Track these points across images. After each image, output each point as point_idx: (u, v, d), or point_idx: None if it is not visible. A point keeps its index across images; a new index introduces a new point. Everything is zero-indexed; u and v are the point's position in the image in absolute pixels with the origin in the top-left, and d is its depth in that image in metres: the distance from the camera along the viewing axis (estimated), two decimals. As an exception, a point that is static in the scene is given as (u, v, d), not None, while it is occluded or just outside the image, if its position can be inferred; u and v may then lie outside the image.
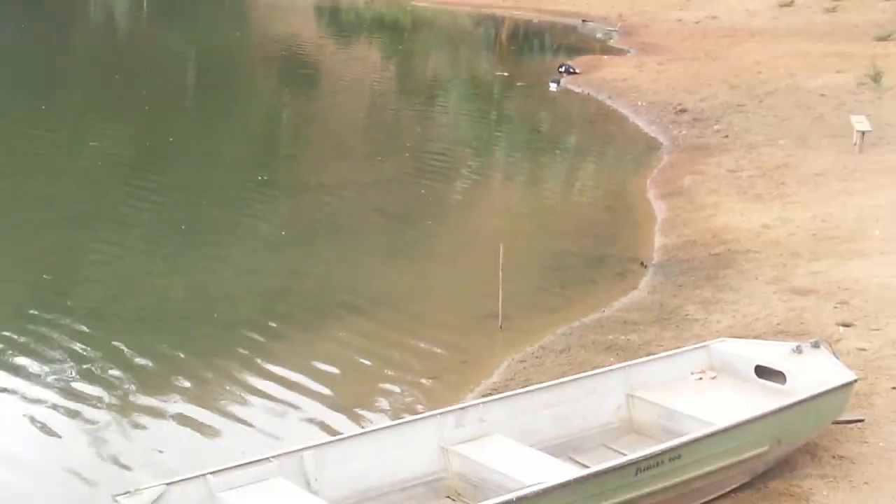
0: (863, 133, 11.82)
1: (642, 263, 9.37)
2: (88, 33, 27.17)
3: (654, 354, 6.33)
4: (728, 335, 6.68)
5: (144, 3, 28.36)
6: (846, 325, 7.19)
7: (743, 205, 10.47)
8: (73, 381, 6.73)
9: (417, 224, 10.71)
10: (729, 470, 4.99)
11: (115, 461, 5.69)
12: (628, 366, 5.90)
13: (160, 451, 5.73)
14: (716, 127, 13.60)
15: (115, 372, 6.86)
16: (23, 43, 22.43)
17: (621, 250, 9.74)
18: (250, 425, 6.00)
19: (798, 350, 5.86)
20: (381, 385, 6.72)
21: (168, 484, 4.40)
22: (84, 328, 7.63)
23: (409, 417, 5.75)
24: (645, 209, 10.96)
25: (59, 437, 5.97)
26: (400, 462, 4.97)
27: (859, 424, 5.71)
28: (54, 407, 6.37)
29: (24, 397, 6.48)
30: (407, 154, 13.46)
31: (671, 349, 6.43)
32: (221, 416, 6.25)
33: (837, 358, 5.86)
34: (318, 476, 4.75)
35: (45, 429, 6.04)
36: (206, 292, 8.43)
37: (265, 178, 11.75)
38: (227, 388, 6.68)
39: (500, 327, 7.47)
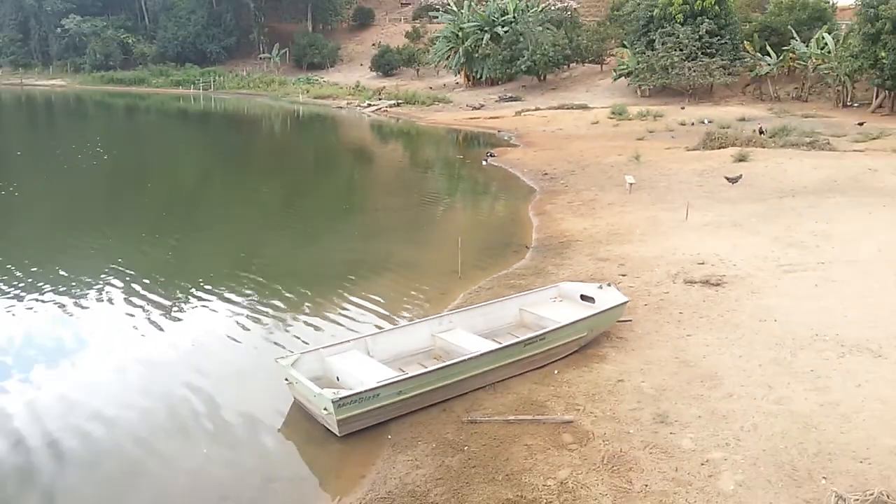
0: (631, 184, 17.24)
1: (526, 246, 13.24)
2: (261, 138, 37.41)
3: (532, 289, 9.54)
4: (567, 280, 10.07)
5: (288, 122, 38.74)
6: (623, 275, 10.76)
7: (574, 218, 15.10)
8: (252, 305, 10.39)
9: (419, 227, 15.87)
10: (568, 345, 7.90)
11: (275, 342, 8.91)
12: (520, 295, 9.19)
13: (297, 337, 9.05)
14: (561, 181, 19.57)
15: (274, 300, 10.55)
16: (228, 144, 32.68)
17: (517, 240, 13.85)
18: (340, 324, 9.55)
19: (601, 287, 8.96)
20: (402, 303, 10.38)
21: (301, 353, 7.40)
22: (260, 279, 11.68)
23: (416, 320, 8.77)
24: (527, 220, 15.51)
25: (247, 329, 9.45)
26: (412, 341, 8.13)
27: (629, 322, 8.80)
28: (243, 316, 9.98)
29: (228, 312, 10.17)
30: (414, 194, 19.95)
31: (540, 287, 9.69)
32: (325, 320, 9.74)
33: (619, 291, 8.89)
34: (373, 349, 7.76)
35: (239, 325, 9.61)
36: (317, 261, 13.08)
37: (346, 206, 18.67)
38: (329, 306, 10.28)
39: (459, 277, 11.27)
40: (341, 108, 48.52)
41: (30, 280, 11.69)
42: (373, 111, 45.59)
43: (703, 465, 5.84)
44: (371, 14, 75.74)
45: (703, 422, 6.50)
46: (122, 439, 6.89)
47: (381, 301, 10.57)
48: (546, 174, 21.15)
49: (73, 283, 11.56)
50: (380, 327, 9.02)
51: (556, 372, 7.79)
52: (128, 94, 60.21)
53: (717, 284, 10.23)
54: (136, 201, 19.14)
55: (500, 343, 7.84)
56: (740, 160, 19.38)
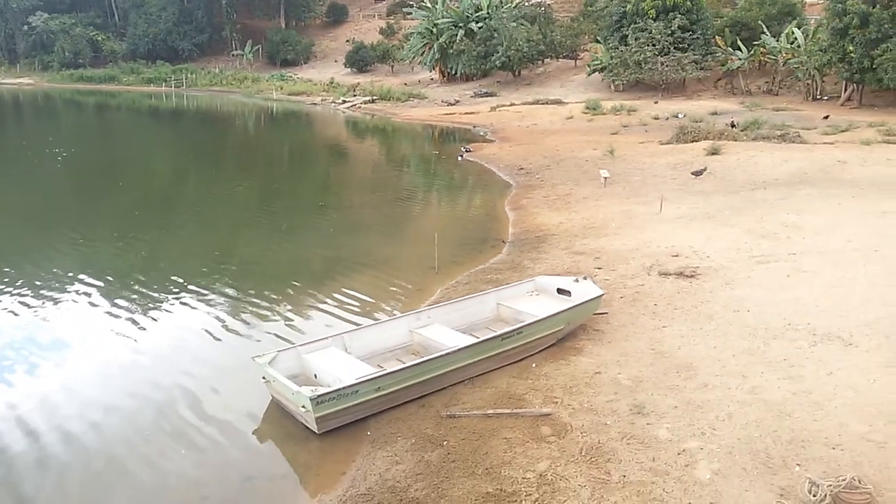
0: (605, 178, 17.37)
1: (503, 241, 13.33)
2: (234, 135, 36.85)
3: (509, 284, 9.63)
4: (544, 274, 10.15)
5: (262, 119, 38.28)
6: (599, 268, 10.90)
7: (550, 212, 15.20)
8: (228, 303, 10.39)
9: (396, 224, 15.82)
10: (545, 338, 7.99)
11: (252, 341, 8.89)
12: (497, 290, 9.29)
13: (274, 335, 8.99)
14: (537, 176, 19.68)
15: (250, 298, 10.59)
16: (201, 141, 32.17)
17: (493, 235, 13.99)
18: (317, 321, 9.54)
19: (577, 280, 9.04)
20: (380, 300, 10.36)
21: (278, 351, 7.40)
22: (236, 277, 11.77)
23: (394, 316, 8.89)
24: (504, 215, 15.61)
25: (223, 328, 9.45)
26: (390, 338, 8.13)
27: (606, 315, 8.93)
28: (219, 315, 9.93)
29: (204, 311, 10.10)
30: (390, 190, 19.87)
31: (517, 281, 9.75)
32: (302, 317, 9.73)
33: (595, 284, 8.94)
34: (351, 346, 7.75)
35: (215, 324, 9.51)
36: (294, 258, 13.01)
37: (322, 203, 18.32)
38: (306, 302, 10.28)
39: (437, 272, 11.36)
40: (315, 104, 48.21)
41: (1, 282, 11.43)
42: (347, 108, 45.36)
43: (679, 454, 5.90)
44: (345, 10, 75.31)
45: (679, 412, 6.57)
46: (101, 440, 6.82)
47: (359, 297, 10.58)
48: (522, 169, 21.23)
49: (46, 285, 11.39)
50: (357, 324, 9.02)
51: (533, 365, 7.84)
52: (98, 93, 59.27)
53: (692, 276, 10.34)
54: (108, 200, 18.88)
55: (478, 338, 7.87)
56: (713, 153, 19.56)
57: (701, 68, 38.27)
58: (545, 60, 48.15)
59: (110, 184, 21.57)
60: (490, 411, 6.87)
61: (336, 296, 10.65)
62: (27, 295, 10.93)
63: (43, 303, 10.61)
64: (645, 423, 6.44)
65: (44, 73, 70.40)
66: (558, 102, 38.15)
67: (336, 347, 7.72)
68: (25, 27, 70.25)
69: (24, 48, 72.51)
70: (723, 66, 39.36)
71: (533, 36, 45.30)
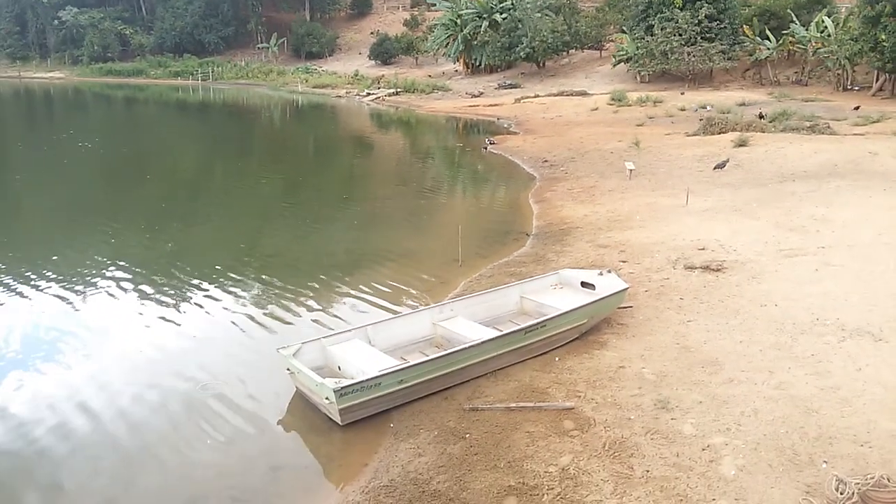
0: (631, 170, 17.31)
1: (527, 234, 13.34)
2: (260, 128, 37.34)
3: (533, 277, 9.57)
4: (568, 267, 10.09)
5: (287, 112, 38.74)
6: (623, 262, 10.80)
7: (575, 205, 15.12)
8: (253, 295, 10.51)
9: (420, 216, 15.85)
10: (569, 332, 7.94)
11: (276, 332, 8.99)
12: (520, 282, 9.25)
13: (298, 327, 8.96)
14: (561, 168, 19.63)
15: (275, 290, 10.68)
16: (227, 134, 32.50)
17: (517, 227, 13.98)
18: (341, 313, 9.60)
19: (601, 273, 9.00)
20: (403, 292, 10.41)
21: (302, 343, 7.40)
22: (261, 269, 11.81)
23: (417, 308, 8.83)
24: (528, 208, 15.55)
25: (248, 319, 9.45)
26: (413, 330, 8.13)
27: (630, 308, 8.85)
28: (244, 306, 10.03)
29: (229, 302, 10.17)
30: (414, 183, 20.13)
31: (541, 274, 9.73)
32: (326, 309, 9.79)
33: (619, 277, 8.97)
34: (374, 338, 7.77)
35: (240, 316, 9.61)
36: (318, 250, 13.15)
37: (347, 196, 18.47)
38: (330, 294, 10.35)
39: (460, 265, 11.35)
40: (340, 97, 48.39)
41: (32, 272, 11.68)
42: (372, 100, 45.44)
43: (704, 450, 5.85)
44: (369, 2, 75.33)
45: (704, 407, 6.51)
46: (129, 428, 6.91)
47: (382, 290, 10.61)
48: (546, 161, 21.11)
49: (75, 276, 11.56)
50: (381, 316, 9.03)
51: (556, 359, 7.80)
52: (126, 86, 60.01)
53: (718, 270, 10.22)
54: (136, 193, 19.10)
55: (501, 331, 7.84)
56: (740, 145, 19.30)
57: (728, 58, 37.75)
58: (570, 51, 47.81)
59: (139, 176, 21.81)
60: (513, 405, 6.86)
61: (360, 288, 10.69)
62: (59, 285, 11.09)
63: (73, 293, 10.76)
64: (669, 417, 6.38)
65: (74, 67, 71.43)
66: (583, 94, 37.87)
67: (360, 340, 7.74)
68: (56, 22, 71.30)
69: (54, 43, 73.61)
70: (751, 55, 38.76)
71: (558, 27, 44.98)
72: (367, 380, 6.59)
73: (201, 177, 22.91)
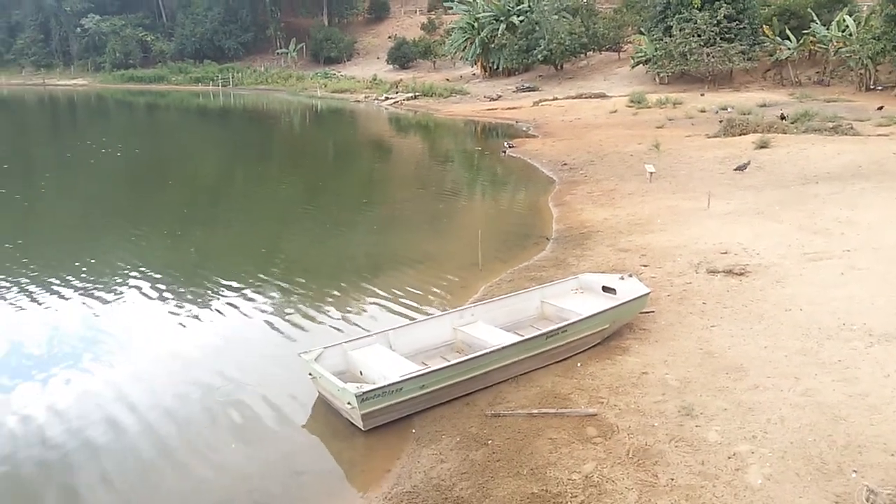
0: (651, 173, 17.25)
1: (546, 238, 13.29)
2: (280, 132, 37.54)
3: (553, 281, 9.46)
4: (589, 271, 10.08)
5: (307, 117, 38.98)
6: (645, 266, 10.74)
7: (595, 209, 15.07)
8: (274, 300, 10.53)
9: (439, 220, 15.88)
10: (590, 337, 7.90)
11: (298, 337, 9.04)
12: (541, 287, 9.24)
13: (319, 331, 9.09)
14: (581, 171, 19.52)
15: (296, 294, 10.72)
16: (248, 139, 32.70)
17: (537, 231, 13.97)
18: (362, 318, 9.66)
19: (622, 278, 8.96)
20: (424, 297, 10.45)
21: (324, 348, 7.42)
22: (282, 273, 11.90)
23: (438, 313, 8.87)
24: (547, 211, 15.55)
25: (269, 324, 9.57)
26: (434, 335, 8.14)
27: (652, 313, 8.80)
28: (265, 311, 10.10)
29: (251, 307, 10.27)
30: (433, 186, 20.07)
31: (562, 278, 9.66)
32: (347, 314, 9.84)
33: (641, 281, 8.92)
34: (395, 343, 7.80)
35: (262, 320, 9.72)
36: (338, 255, 13.16)
37: (366, 200, 18.56)
38: (351, 300, 10.42)
39: (480, 269, 11.38)
40: (359, 101, 48.57)
41: (57, 277, 11.83)
42: (390, 104, 45.58)
43: (729, 458, 5.78)
44: (386, 6, 75.60)
45: (729, 414, 6.43)
46: (150, 434, 6.96)
47: (403, 295, 10.62)
48: (565, 164, 21.05)
49: (100, 280, 11.70)
50: (402, 321, 9.03)
51: (578, 364, 7.75)
52: (148, 92, 60.66)
53: (741, 274, 10.11)
54: (159, 198, 19.29)
55: (522, 336, 7.81)
56: (762, 146, 19.10)
57: (748, 59, 37.38)
58: (588, 53, 47.63)
59: (161, 181, 22.04)
60: (535, 411, 6.82)
61: (380, 292, 10.71)
62: (86, 289, 11.23)
63: (98, 297, 10.89)
64: (693, 425, 6.31)
65: (96, 74, 72.35)
66: (602, 96, 37.69)
67: (381, 345, 7.76)
68: (78, 29, 72.30)
69: (77, 50, 74.62)
70: (771, 56, 38.37)
71: (575, 29, 44.84)
72: (389, 385, 6.60)
73: (222, 182, 23.09)
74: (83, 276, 11.87)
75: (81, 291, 11.11)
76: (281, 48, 70.58)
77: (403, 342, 7.92)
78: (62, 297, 10.90)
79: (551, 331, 7.65)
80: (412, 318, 9.19)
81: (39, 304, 10.68)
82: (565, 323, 7.82)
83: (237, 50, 71.33)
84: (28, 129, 40.75)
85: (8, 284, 11.54)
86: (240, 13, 71.59)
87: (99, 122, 44.49)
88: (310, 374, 7.24)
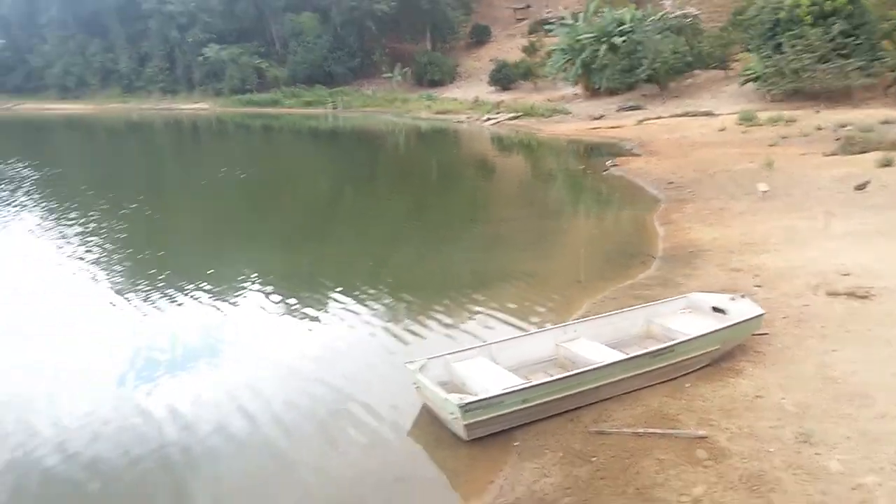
0: (763, 192, 16.64)
1: (652, 256, 13.09)
2: (386, 152, 38.49)
3: (660, 300, 9.31)
4: (697, 290, 9.72)
5: (411, 137, 40.36)
6: (758, 287, 10.31)
7: (703, 228, 14.58)
8: (382, 312, 10.76)
9: (542, 238, 15.64)
10: (699, 358, 7.62)
11: (403, 348, 9.22)
12: (647, 305, 9.08)
13: (424, 343, 9.27)
14: (687, 190, 18.76)
15: (402, 307, 10.98)
16: (356, 159, 33.85)
17: (641, 250, 13.67)
18: (465, 331, 9.72)
19: (733, 298, 8.66)
20: (527, 312, 10.36)
21: (428, 358, 7.56)
22: (388, 287, 12.18)
23: (540, 329, 8.88)
24: (653, 230, 15.13)
25: (377, 335, 9.86)
26: (537, 350, 8.09)
27: (766, 336, 8.43)
28: (373, 322, 10.36)
29: (360, 318, 10.56)
30: (536, 205, 20.02)
31: (669, 297, 9.45)
32: (451, 327, 9.94)
33: (754, 302, 8.56)
34: (498, 356, 7.80)
35: (370, 331, 10.01)
36: (443, 270, 13.38)
37: (470, 218, 18.68)
38: (455, 313, 10.44)
39: (583, 287, 11.34)
40: (461, 122, 49.15)
41: (182, 286, 12.56)
42: (492, 124, 45.93)
43: (854, 489, 5.45)
44: (487, 31, 76.47)
45: (852, 443, 6.07)
46: (258, 439, 7.24)
47: (505, 309, 10.63)
48: (671, 183, 20.46)
49: (219, 291, 12.35)
50: (505, 335, 9.02)
51: (687, 385, 7.52)
52: (263, 115, 63.54)
53: (864, 297, 9.53)
54: (274, 214, 20.16)
55: (627, 354, 7.69)
56: (885, 165, 17.88)
57: (868, 75, 35.21)
58: (693, 72, 46.30)
59: (275, 199, 23.04)
60: (641, 430, 6.68)
61: (484, 307, 10.78)
62: (204, 297, 11.91)
63: (215, 307, 11.52)
64: (813, 452, 6.00)
65: (216, 99, 76.78)
66: (709, 114, 36.46)
67: (484, 357, 7.82)
68: (200, 58, 77.03)
69: (199, 77, 79.49)
70: (893, 71, 35.97)
71: (679, 47, 43.75)
72: (491, 397, 6.64)
73: (333, 199, 23.80)
74: (205, 286, 12.58)
75: (204, 301, 11.79)
76: (387, 72, 72.62)
77: (506, 356, 7.94)
78: (186, 305, 11.61)
79: (658, 350, 7.50)
80: (515, 333, 9.19)
81: (165, 311, 11.42)
82: (673, 342, 7.64)
83: (346, 75, 73.94)
84: (156, 149, 43.61)
85: (139, 292, 12.41)
86: (347, 40, 74.28)
87: (220, 143, 47.06)
88: (414, 384, 7.39)
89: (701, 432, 6.52)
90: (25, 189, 23.98)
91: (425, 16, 72.57)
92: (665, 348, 7.50)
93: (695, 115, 36.75)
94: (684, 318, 8.80)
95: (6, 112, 71.30)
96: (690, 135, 30.16)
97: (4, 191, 23.51)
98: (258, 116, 63.02)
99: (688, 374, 7.70)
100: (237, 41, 77.56)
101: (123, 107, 74.48)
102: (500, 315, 10.40)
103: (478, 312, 10.60)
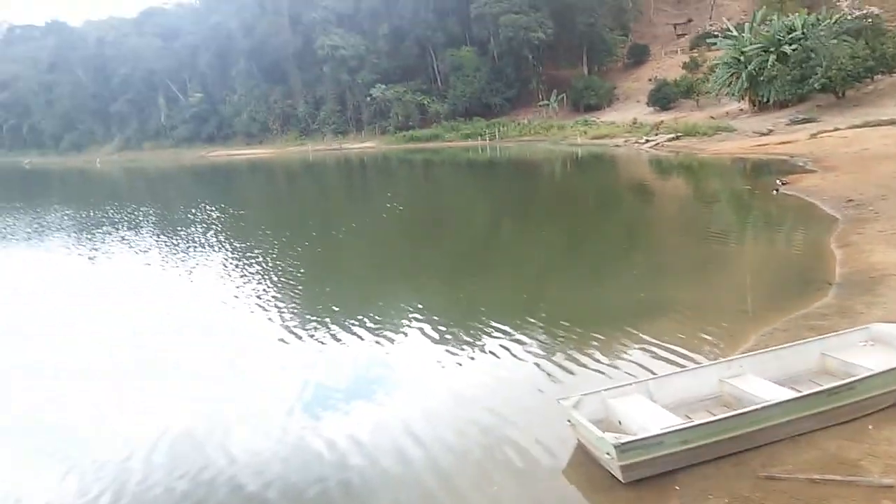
0: (957, 211, 15.35)
1: (828, 283, 12.47)
2: (542, 181, 38.98)
3: (837, 332, 8.73)
4: (881, 321, 8.98)
5: (567, 164, 41.18)
6: (956, 319, 9.32)
7: (888, 249, 13.79)
8: (536, 344, 10.70)
9: (705, 264, 15.27)
10: (884, 396, 7.08)
11: (556, 381, 9.24)
12: (822, 338, 8.50)
13: (578, 378, 9.21)
14: (870, 208, 17.74)
15: (556, 339, 10.82)
16: (511, 188, 34.92)
17: (816, 276, 13.02)
18: (621, 366, 9.53)
19: None
20: (687, 345, 9.95)
21: (582, 395, 7.40)
22: (542, 319, 12.12)
23: (703, 363, 8.51)
24: (829, 253, 14.41)
25: (530, 367, 9.82)
26: (698, 387, 7.70)
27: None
28: (527, 354, 10.31)
29: (513, 350, 10.53)
30: (698, 229, 19.54)
31: (847, 328, 8.82)
32: (606, 361, 9.76)
33: None
34: (656, 394, 7.50)
35: (523, 363, 9.97)
36: (598, 302, 13.08)
37: (627, 246, 18.65)
38: (610, 347, 10.20)
39: (750, 318, 10.85)
40: (618, 146, 48.38)
41: (352, 317, 13.28)
42: (651, 147, 44.75)
43: None
44: (646, 50, 74.90)
45: None
46: (411, 470, 7.47)
47: (664, 343, 10.30)
48: (851, 201, 18.98)
49: (386, 321, 12.94)
50: (663, 371, 8.78)
51: (870, 427, 6.91)
52: (425, 150, 66.24)
53: None
54: (430, 248, 20.88)
55: (800, 391, 7.18)
56: None
57: None
58: (875, 77, 42.38)
59: (433, 231, 23.90)
60: (817, 476, 6.23)
61: (640, 340, 10.52)
62: (372, 328, 12.52)
63: (383, 336, 12.06)
64: None
65: (382, 137, 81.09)
66: (893, 123, 33.23)
67: (640, 394, 7.61)
68: (368, 98, 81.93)
69: (367, 116, 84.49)
70: None
71: (858, 51, 40.32)
72: (649, 437, 6.48)
73: (488, 230, 24.19)
74: (371, 319, 13.26)
75: (370, 333, 12.45)
76: (543, 100, 73.11)
77: (665, 393, 7.68)
78: (355, 338, 12.32)
79: (835, 387, 6.95)
80: (674, 368, 8.89)
81: (339, 340, 12.18)
82: (853, 379, 7.07)
83: (503, 105, 75.43)
84: (327, 188, 46.61)
85: (313, 323, 13.34)
86: (504, 71, 75.81)
87: (384, 179, 49.38)
88: (568, 421, 7.33)
89: (887, 481, 5.99)
90: (214, 230, 26.53)
91: (582, 39, 72.52)
92: (843, 385, 6.94)
93: (877, 125, 33.74)
94: (866, 352, 8.12)
95: (200, 160, 79.43)
96: (872, 147, 27.84)
97: (197, 232, 26.17)
98: (419, 151, 65.73)
99: (870, 414, 7.08)
100: (401, 80, 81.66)
101: (300, 149, 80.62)
102: (658, 349, 10.10)
103: (635, 346, 10.35)
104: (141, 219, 31.58)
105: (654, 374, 8.46)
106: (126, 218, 31.55)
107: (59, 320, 15.07)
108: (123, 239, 25.49)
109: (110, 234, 27.00)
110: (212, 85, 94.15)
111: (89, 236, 26.71)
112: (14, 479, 8.22)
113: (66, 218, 33.53)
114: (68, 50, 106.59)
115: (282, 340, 12.47)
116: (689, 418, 7.17)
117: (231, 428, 8.99)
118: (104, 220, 31.38)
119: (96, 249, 23.68)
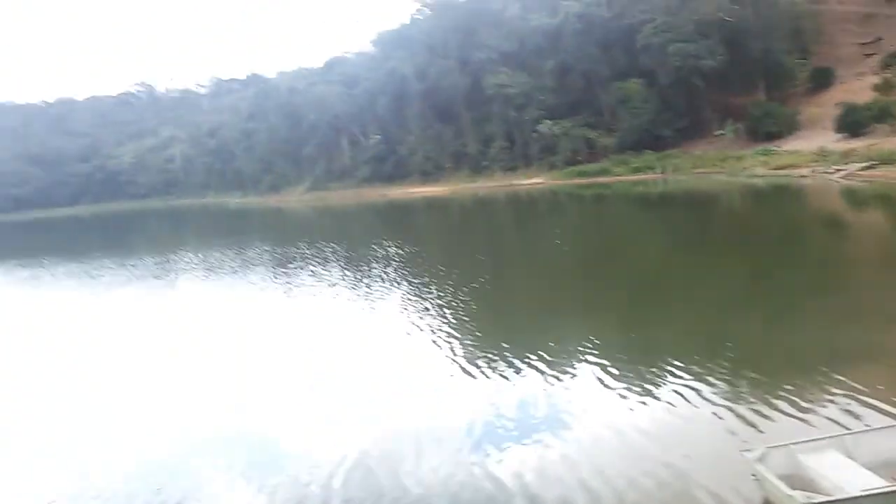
0: None
1: None
2: (718, 214, 37.76)
3: None
4: None
5: (747, 197, 38.87)
6: None
7: None
8: (718, 389, 10.42)
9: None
10: None
11: (737, 429, 9.00)
12: None
13: (764, 427, 8.92)
14: None
15: (740, 384, 10.60)
16: (682, 225, 33.69)
17: None
18: (810, 416, 9.03)
19: None
20: (891, 397, 9.21)
21: (769, 447, 7.23)
22: (725, 361, 11.76)
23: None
24: None
25: (711, 413, 9.57)
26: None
27: None
28: (708, 399, 10.14)
29: (693, 393, 10.41)
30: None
31: None
32: (796, 410, 9.24)
33: None
34: (855, 450, 7.08)
35: (704, 409, 9.82)
36: (788, 345, 12.44)
37: (816, 285, 17.14)
38: (801, 395, 9.66)
39: None
40: (804, 176, 45.35)
41: (521, 359, 13.89)
42: (841, 176, 41.55)
43: None
44: (830, 73, 69.60)
45: None
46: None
47: (867, 393, 9.73)
48: None
49: (559, 361, 13.47)
50: (863, 425, 8.38)
51: None
52: (594, 185, 65.78)
53: None
54: (603, 285, 21.08)
55: None
56: None
57: None
58: None
59: (603, 269, 23.99)
60: None
61: (839, 389, 10.01)
62: (546, 367, 13.07)
63: (557, 375, 12.62)
64: None
65: (550, 172, 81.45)
66: None
67: (836, 450, 7.29)
68: (535, 134, 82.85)
69: (535, 152, 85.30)
70: None
71: None
72: (847, 499, 6.25)
73: (663, 265, 23.90)
74: (546, 357, 13.86)
75: (545, 372, 13.03)
76: (716, 130, 70.07)
77: (865, 450, 7.29)
78: (529, 376, 12.91)
79: None
80: (876, 423, 8.46)
81: (510, 378, 12.98)
82: None
83: (673, 137, 73.11)
84: (498, 225, 48.02)
85: (486, 359, 14.12)
86: (674, 102, 73.59)
87: (555, 216, 50.11)
88: (753, 476, 7.21)
89: None
90: (394, 266, 28.31)
91: (757, 65, 68.96)
92: None
93: None
94: None
95: (380, 198, 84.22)
96: None
97: (378, 268, 28.09)
98: (588, 186, 65.43)
99: None
100: (567, 115, 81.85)
101: (471, 186, 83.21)
102: (856, 400, 9.59)
103: (829, 395, 9.89)
104: (329, 255, 34.29)
105: (850, 428, 8.14)
106: (316, 254, 34.48)
107: (253, 345, 17.38)
108: (313, 273, 28.07)
109: (302, 268, 29.82)
110: (389, 127, 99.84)
111: (284, 271, 29.55)
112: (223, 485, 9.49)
113: (265, 254, 37.11)
114: (264, 99, 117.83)
115: (453, 376, 13.27)
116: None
117: (405, 459, 9.74)
118: (296, 255, 34.50)
119: (289, 283, 26.16)
